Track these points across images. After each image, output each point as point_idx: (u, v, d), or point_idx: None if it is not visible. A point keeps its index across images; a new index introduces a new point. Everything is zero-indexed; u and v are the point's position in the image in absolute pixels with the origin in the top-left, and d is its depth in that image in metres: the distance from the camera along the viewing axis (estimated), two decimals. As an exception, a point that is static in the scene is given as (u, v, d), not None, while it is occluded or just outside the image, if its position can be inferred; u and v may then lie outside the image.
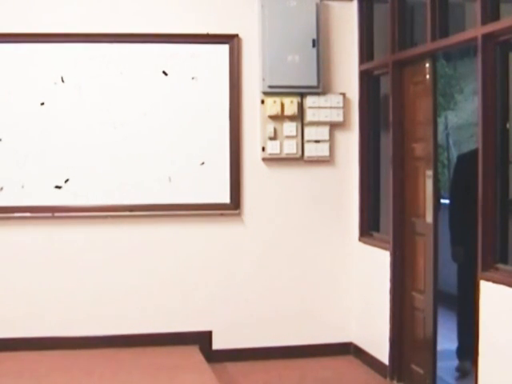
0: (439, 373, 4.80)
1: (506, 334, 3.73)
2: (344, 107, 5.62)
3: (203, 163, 5.49)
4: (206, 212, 5.49)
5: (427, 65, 4.73)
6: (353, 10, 5.62)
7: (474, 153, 4.98)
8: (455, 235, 5.35)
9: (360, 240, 5.56)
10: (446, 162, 10.38)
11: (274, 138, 5.53)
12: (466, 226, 5.08)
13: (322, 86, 5.54)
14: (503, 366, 3.76)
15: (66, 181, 5.36)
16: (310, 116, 5.56)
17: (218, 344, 5.53)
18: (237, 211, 5.53)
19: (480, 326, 3.93)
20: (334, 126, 5.64)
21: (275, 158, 5.57)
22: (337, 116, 5.61)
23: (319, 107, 5.57)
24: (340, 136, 5.67)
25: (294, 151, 5.57)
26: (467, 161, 5.26)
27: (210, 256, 5.53)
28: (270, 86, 5.49)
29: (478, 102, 4.06)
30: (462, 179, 5.31)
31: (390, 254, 5.07)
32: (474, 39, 4.09)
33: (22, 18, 5.28)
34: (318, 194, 5.65)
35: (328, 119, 5.60)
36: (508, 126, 4.10)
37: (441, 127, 10.24)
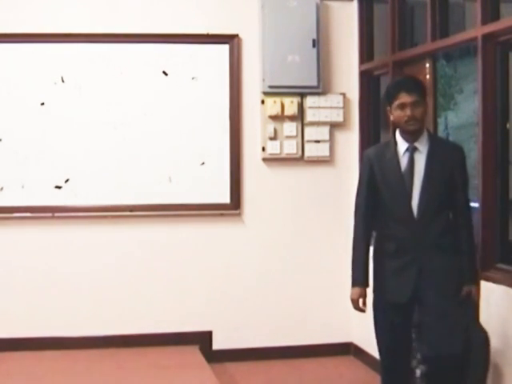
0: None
1: (507, 333, 3.73)
2: (344, 107, 5.62)
3: (203, 163, 5.49)
4: (206, 212, 5.49)
5: (427, 65, 4.73)
6: (353, 10, 5.62)
7: (383, 148, 3.76)
8: (354, 268, 3.83)
9: (360, 240, 5.55)
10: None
11: (274, 138, 5.53)
12: (378, 258, 3.75)
13: (322, 86, 5.54)
14: (503, 366, 3.76)
15: (66, 181, 5.36)
16: (310, 116, 5.56)
17: (218, 344, 5.53)
18: (237, 211, 5.53)
19: (480, 326, 3.93)
20: (334, 126, 5.64)
21: (275, 158, 5.57)
22: (337, 116, 5.61)
23: (319, 107, 5.57)
24: (340, 136, 5.67)
25: (294, 151, 5.57)
26: (380, 161, 3.69)
27: (210, 256, 5.53)
28: (270, 86, 5.49)
29: (478, 101, 4.07)
30: (371, 183, 3.71)
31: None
32: (474, 39, 4.10)
33: (22, 18, 5.28)
34: (318, 194, 5.65)
35: (328, 119, 5.60)
36: (508, 125, 4.10)
37: (441, 127, 10.23)
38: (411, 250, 3.57)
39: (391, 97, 3.62)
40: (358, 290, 3.76)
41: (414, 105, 3.53)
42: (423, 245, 3.55)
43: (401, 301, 3.59)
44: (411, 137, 3.59)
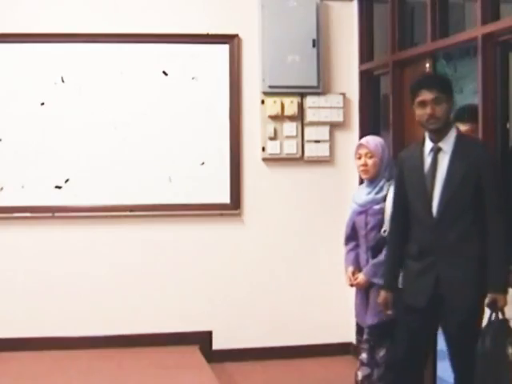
0: (439, 373, 4.80)
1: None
2: (344, 107, 5.62)
3: (203, 163, 5.49)
4: (205, 212, 5.49)
5: (427, 65, 4.72)
6: (353, 9, 5.62)
7: (413, 148, 3.69)
8: (386, 272, 3.82)
9: (360, 240, 5.55)
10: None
11: (274, 138, 5.53)
12: (405, 260, 3.65)
13: (322, 86, 5.54)
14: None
15: (66, 181, 5.36)
16: (310, 116, 5.56)
17: (218, 344, 5.53)
18: (237, 211, 5.53)
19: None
20: (334, 126, 5.64)
21: (275, 158, 5.57)
22: (337, 116, 5.61)
23: (319, 107, 5.57)
24: (340, 136, 5.67)
25: (294, 151, 5.57)
26: (408, 162, 3.66)
27: (209, 256, 5.52)
28: (270, 86, 5.49)
29: (478, 102, 4.06)
30: (401, 185, 3.66)
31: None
32: (474, 39, 4.10)
33: (22, 18, 5.28)
34: (318, 194, 5.65)
35: (328, 119, 5.60)
36: (508, 125, 4.10)
37: (441, 127, 10.20)
38: (431, 253, 3.46)
39: (413, 95, 3.50)
40: (383, 293, 3.78)
41: (434, 102, 3.40)
42: (442, 248, 3.43)
43: (417, 305, 3.51)
44: (435, 136, 3.47)
